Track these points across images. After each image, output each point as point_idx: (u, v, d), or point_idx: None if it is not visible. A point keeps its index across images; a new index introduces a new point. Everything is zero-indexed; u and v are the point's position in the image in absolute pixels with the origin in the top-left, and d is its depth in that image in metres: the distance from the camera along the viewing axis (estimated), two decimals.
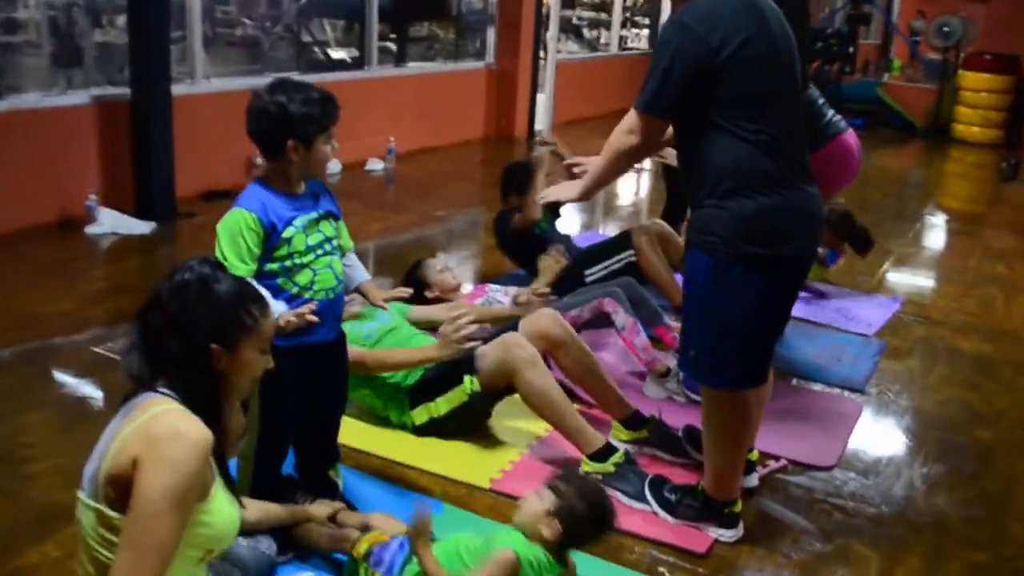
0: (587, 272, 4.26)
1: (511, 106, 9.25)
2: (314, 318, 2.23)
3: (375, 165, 7.41)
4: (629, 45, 13.36)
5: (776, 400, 3.13)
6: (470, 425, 3.14)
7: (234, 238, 2.24)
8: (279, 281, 2.30)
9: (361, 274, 2.60)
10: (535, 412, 2.96)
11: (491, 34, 9.19)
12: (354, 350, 2.83)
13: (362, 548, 2.31)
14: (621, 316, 3.59)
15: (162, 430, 1.61)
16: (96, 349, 3.68)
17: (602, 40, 12.81)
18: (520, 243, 4.53)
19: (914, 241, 6.60)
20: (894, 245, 6.16)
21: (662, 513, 2.75)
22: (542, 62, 9.87)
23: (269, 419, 2.40)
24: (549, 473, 2.33)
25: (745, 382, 2.51)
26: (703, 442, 2.68)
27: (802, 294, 4.12)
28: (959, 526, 2.86)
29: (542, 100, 9.91)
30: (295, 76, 7.12)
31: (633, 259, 4.26)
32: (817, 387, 3.80)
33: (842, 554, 2.68)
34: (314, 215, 2.35)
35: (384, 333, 3.21)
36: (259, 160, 6.29)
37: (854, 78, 12.70)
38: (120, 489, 1.62)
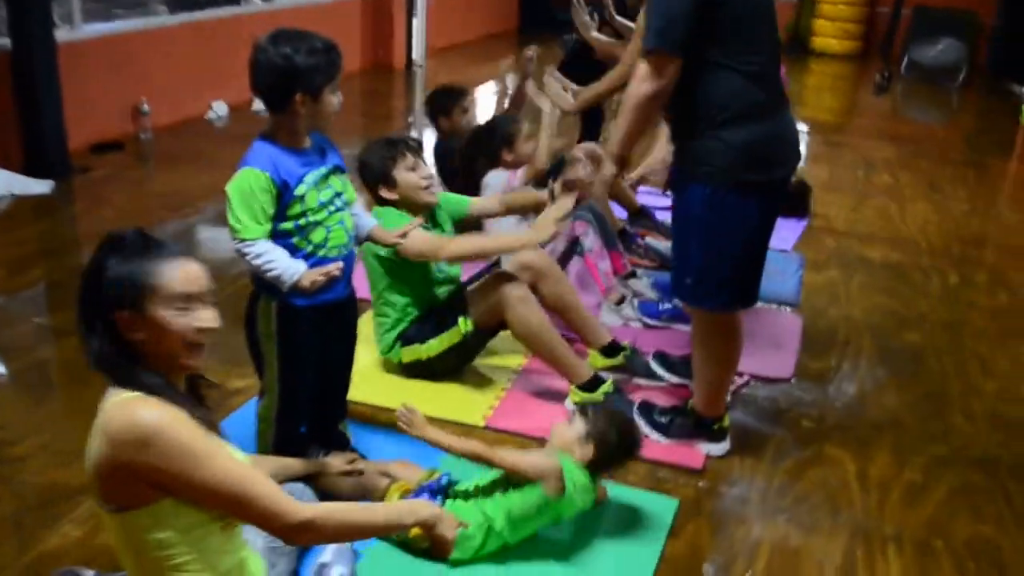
0: None
1: (388, 35, 9.06)
2: (339, 274, 2.23)
3: (261, 105, 7.15)
4: None
5: (748, 322, 3.31)
6: (456, 366, 3.19)
7: (246, 199, 2.19)
8: (294, 240, 2.27)
9: (367, 221, 2.59)
10: (527, 347, 3.05)
11: None
12: (428, 237, 2.88)
13: (395, 499, 2.36)
14: (590, 238, 3.69)
15: (132, 434, 1.55)
16: (38, 320, 3.51)
17: None
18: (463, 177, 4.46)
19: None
20: None
21: (655, 435, 2.90)
22: None
23: (288, 379, 2.39)
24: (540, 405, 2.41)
25: (741, 302, 2.66)
26: (693, 363, 2.83)
27: None
28: (913, 424, 3.14)
29: (417, 27, 9.73)
30: (167, 15, 6.82)
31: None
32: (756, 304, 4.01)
33: (819, 458, 2.91)
34: (323, 170, 2.31)
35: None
36: (147, 107, 6.14)
37: None
38: (118, 492, 1.61)
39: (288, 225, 2.25)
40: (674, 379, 3.22)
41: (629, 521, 2.53)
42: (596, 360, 3.23)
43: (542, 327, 2.98)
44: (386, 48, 9.04)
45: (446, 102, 4.40)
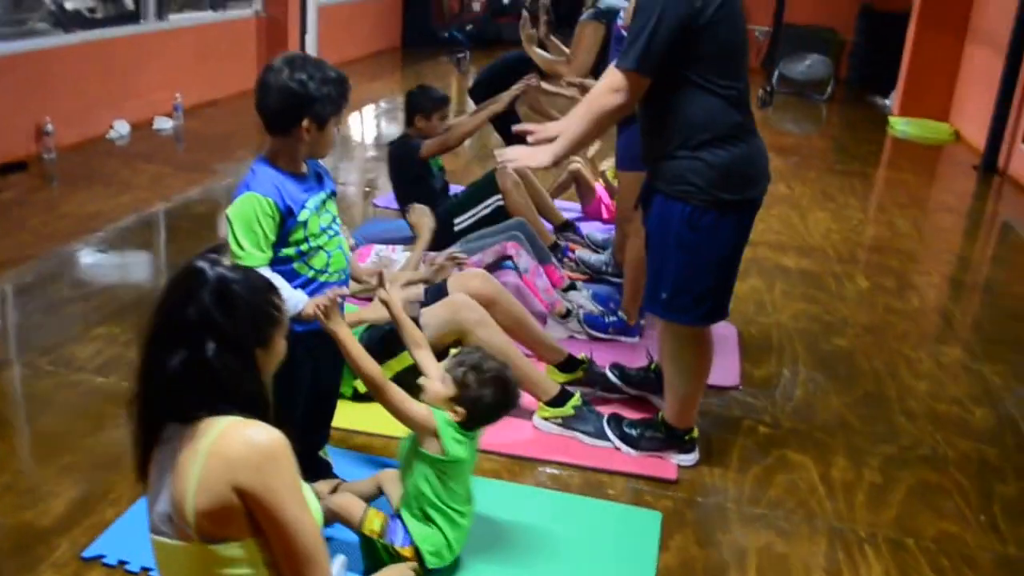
0: (456, 221, 4.27)
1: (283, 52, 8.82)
2: (346, 296, 2.17)
3: (164, 123, 6.87)
4: None
5: None
6: (407, 386, 3.11)
7: (250, 225, 2.12)
8: (294, 266, 2.21)
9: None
10: None
11: None
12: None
13: (375, 525, 2.28)
14: (524, 259, 3.68)
15: (255, 455, 1.50)
16: None
17: None
18: (417, 174, 4.36)
19: None
20: None
21: (625, 448, 2.91)
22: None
23: (279, 406, 2.27)
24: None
25: (715, 317, 2.70)
26: (665, 376, 2.86)
27: None
28: (860, 425, 3.27)
29: (310, 45, 9.54)
30: (56, 34, 6.45)
31: (501, 203, 4.32)
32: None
33: (783, 463, 2.98)
34: (323, 195, 2.27)
35: None
36: (50, 127, 5.78)
37: None
38: (220, 521, 1.51)
39: (290, 251, 2.19)
40: (631, 391, 3.24)
41: (619, 537, 2.53)
42: (555, 376, 3.21)
43: (505, 348, 2.94)
44: None
45: (429, 104, 4.31)
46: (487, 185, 4.39)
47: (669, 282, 2.62)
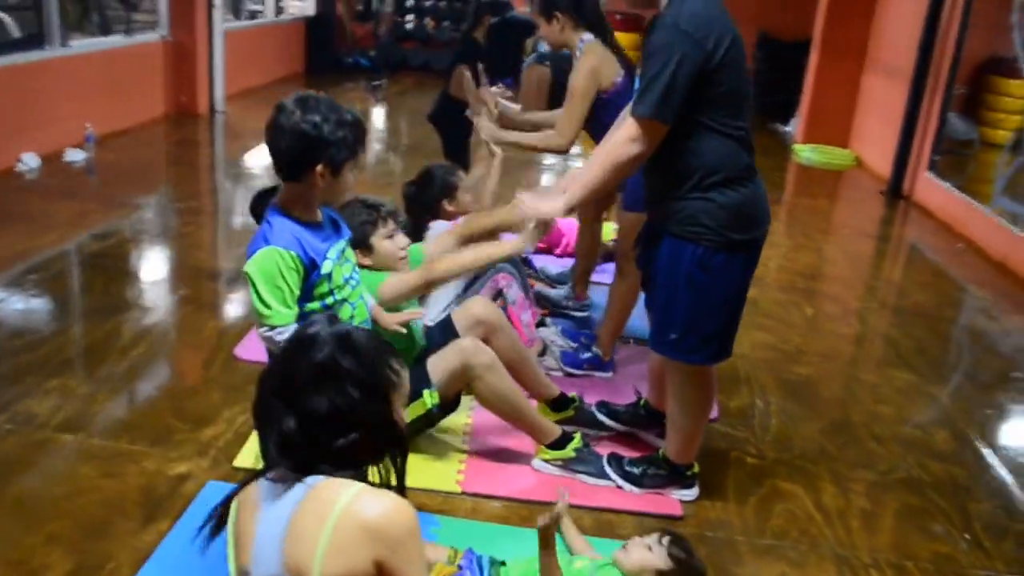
0: None
1: (190, 80, 8.59)
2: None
3: (75, 155, 6.56)
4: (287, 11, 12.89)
5: (639, 364, 3.56)
6: (414, 435, 3.06)
7: (274, 281, 2.02)
8: None
9: (369, 300, 2.45)
10: (494, 413, 2.98)
11: (163, 3, 8.41)
12: (414, 275, 2.72)
13: None
14: (514, 290, 3.68)
15: (393, 527, 1.49)
16: None
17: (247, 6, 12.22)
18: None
19: None
20: None
21: (627, 486, 2.94)
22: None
23: None
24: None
25: (721, 356, 2.76)
26: (668, 414, 2.90)
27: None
28: (837, 452, 3.39)
29: (218, 72, 9.30)
30: None
31: None
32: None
33: (776, 493, 3.06)
34: (342, 243, 2.18)
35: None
36: None
37: None
38: None
39: (315, 305, 2.10)
40: (619, 427, 3.27)
41: None
42: (547, 414, 3.21)
43: (512, 393, 2.93)
44: (189, 93, 8.55)
45: (452, 183, 3.97)
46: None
47: (678, 323, 2.67)
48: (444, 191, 3.82)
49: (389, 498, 1.52)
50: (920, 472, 3.30)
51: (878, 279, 5.73)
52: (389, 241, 2.82)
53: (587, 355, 3.76)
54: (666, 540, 2.28)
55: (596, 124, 3.49)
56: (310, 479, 1.52)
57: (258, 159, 7.63)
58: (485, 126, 3.70)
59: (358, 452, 1.56)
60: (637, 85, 2.63)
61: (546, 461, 3.00)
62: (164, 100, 8.41)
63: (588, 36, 3.49)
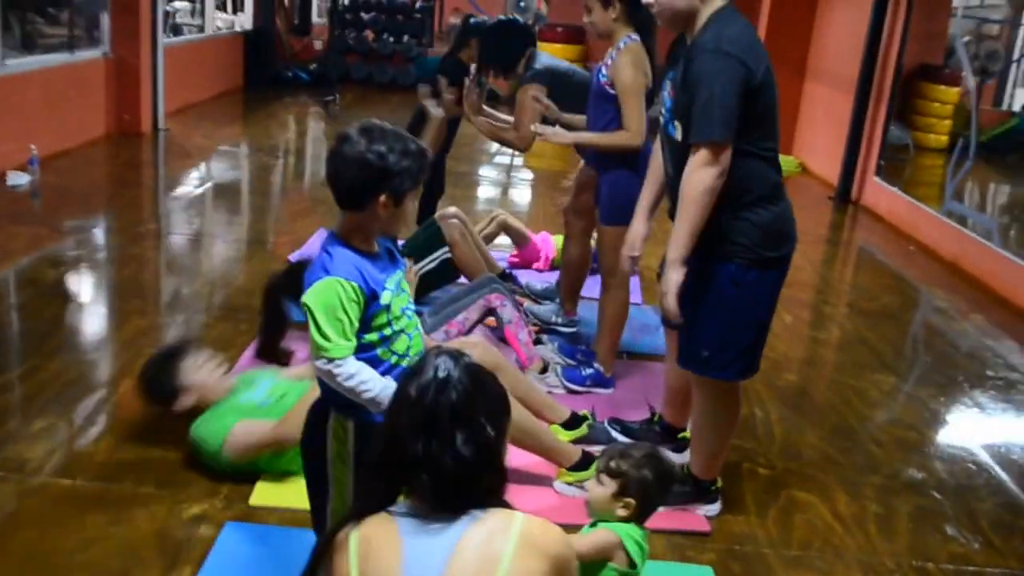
0: None
1: (133, 98, 8.34)
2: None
3: (19, 179, 6.31)
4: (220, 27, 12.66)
5: (649, 377, 3.63)
6: None
7: (334, 313, 1.97)
8: (378, 352, 2.07)
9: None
10: (513, 444, 2.94)
11: (105, 20, 8.16)
12: (266, 426, 2.74)
13: None
14: (508, 310, 3.66)
15: (566, 551, 1.61)
16: None
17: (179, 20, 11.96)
18: None
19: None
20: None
21: None
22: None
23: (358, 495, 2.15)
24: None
25: (751, 371, 2.79)
26: (693, 430, 2.92)
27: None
28: (843, 458, 3.45)
29: (160, 89, 9.06)
30: None
31: (448, 256, 4.27)
32: (646, 361, 4.16)
33: (794, 504, 3.10)
34: (399, 274, 2.14)
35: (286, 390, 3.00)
36: None
37: (437, 51, 13.45)
38: None
39: (373, 336, 2.05)
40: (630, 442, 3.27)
41: None
42: (560, 434, 3.20)
43: (528, 421, 2.92)
44: (132, 112, 8.30)
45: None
46: (431, 238, 4.32)
47: (710, 340, 2.68)
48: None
49: (553, 526, 1.60)
50: (923, 474, 3.38)
51: (843, 283, 5.88)
52: (201, 371, 2.98)
53: (589, 371, 3.76)
54: (603, 461, 2.32)
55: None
56: (473, 511, 1.56)
57: (203, 178, 7.48)
58: (551, 131, 3.70)
59: (497, 487, 1.62)
60: (668, 106, 2.65)
61: (568, 483, 2.99)
62: (106, 119, 8.15)
63: (635, 36, 3.48)
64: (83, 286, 4.74)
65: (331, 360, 1.96)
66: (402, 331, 2.10)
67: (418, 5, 13.32)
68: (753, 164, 2.56)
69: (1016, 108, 10.53)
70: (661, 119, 2.78)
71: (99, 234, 5.64)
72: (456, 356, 1.63)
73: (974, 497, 3.27)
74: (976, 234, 6.22)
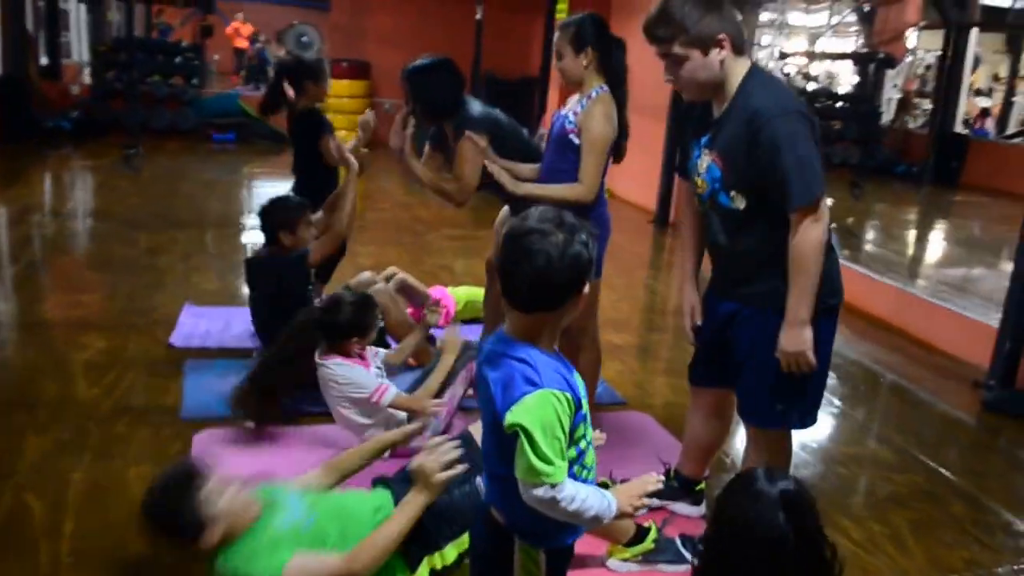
0: None
1: None
2: None
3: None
4: None
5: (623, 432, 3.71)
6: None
7: (553, 431, 1.78)
8: (574, 469, 1.91)
9: None
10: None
11: None
12: (330, 561, 2.43)
13: None
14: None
15: None
16: None
17: None
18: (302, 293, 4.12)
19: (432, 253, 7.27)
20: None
21: None
22: None
23: None
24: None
25: (815, 417, 2.90)
26: None
27: None
28: (823, 485, 3.69)
29: None
30: None
31: (381, 323, 4.09)
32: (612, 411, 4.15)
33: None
34: (576, 373, 2.00)
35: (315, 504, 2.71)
36: None
37: (211, 91, 12.76)
38: None
39: (572, 453, 1.89)
40: (652, 503, 3.21)
41: None
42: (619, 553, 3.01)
43: None
44: None
45: (288, 215, 3.99)
46: None
47: (784, 394, 2.76)
48: (291, 219, 3.99)
49: None
50: (897, 488, 3.70)
51: None
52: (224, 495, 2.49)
53: None
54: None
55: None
56: None
57: None
58: (507, 180, 3.53)
59: None
60: (716, 176, 2.70)
61: (624, 560, 2.96)
62: None
63: (605, 87, 3.48)
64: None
65: (554, 486, 1.82)
66: (589, 443, 2.00)
67: (183, 44, 12.53)
68: None
69: None
70: (701, 189, 2.82)
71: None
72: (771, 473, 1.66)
73: (947, 503, 3.59)
74: None
